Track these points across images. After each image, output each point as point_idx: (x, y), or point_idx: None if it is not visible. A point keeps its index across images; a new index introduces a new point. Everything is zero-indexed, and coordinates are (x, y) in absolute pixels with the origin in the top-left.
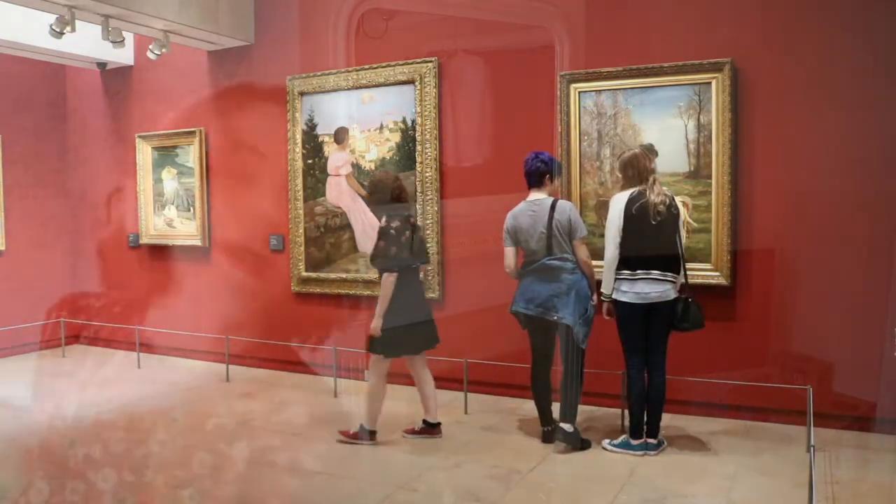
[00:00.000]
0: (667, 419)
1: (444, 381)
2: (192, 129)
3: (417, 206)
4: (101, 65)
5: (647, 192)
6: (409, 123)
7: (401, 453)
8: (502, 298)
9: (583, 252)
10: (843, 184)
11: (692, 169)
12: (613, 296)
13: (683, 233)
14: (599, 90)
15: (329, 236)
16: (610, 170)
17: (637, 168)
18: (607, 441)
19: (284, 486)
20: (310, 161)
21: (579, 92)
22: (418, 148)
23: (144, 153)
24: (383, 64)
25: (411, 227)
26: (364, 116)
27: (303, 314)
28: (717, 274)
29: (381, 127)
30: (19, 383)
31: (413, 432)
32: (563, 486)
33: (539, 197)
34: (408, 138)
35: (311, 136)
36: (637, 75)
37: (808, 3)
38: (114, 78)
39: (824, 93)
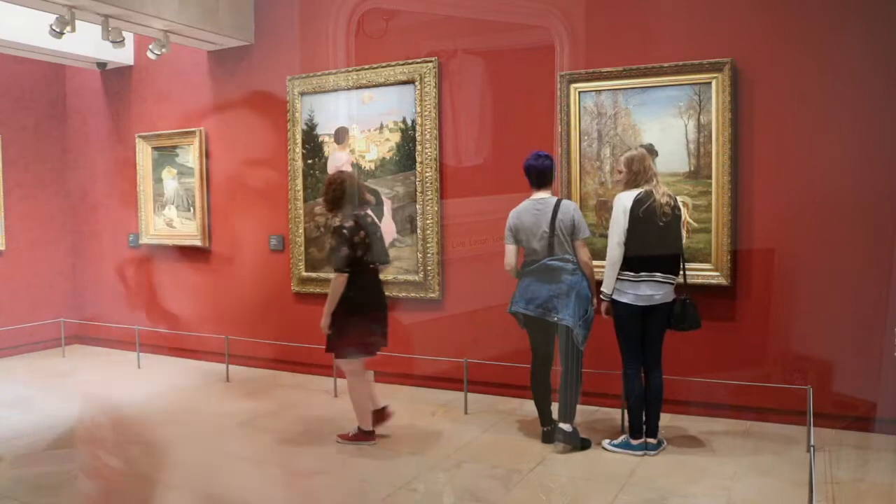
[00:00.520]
0: (667, 419)
1: (444, 381)
2: (192, 129)
3: (417, 207)
4: (101, 65)
5: (654, 194)
6: (409, 123)
7: (401, 453)
8: (502, 298)
9: (584, 253)
10: (843, 184)
11: (692, 169)
12: (614, 296)
13: (683, 233)
14: (599, 90)
15: (329, 236)
16: (610, 170)
17: (644, 167)
18: (607, 441)
19: (284, 486)
20: (310, 161)
21: (579, 92)
22: (418, 148)
23: (144, 153)
24: (383, 64)
25: (367, 226)
26: (364, 116)
27: (303, 314)
28: (717, 274)
29: (381, 127)
30: (19, 383)
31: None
32: (563, 486)
33: (544, 196)
34: (408, 138)
35: (311, 135)
36: (637, 75)
37: (808, 3)
38: (114, 78)
39: (824, 93)
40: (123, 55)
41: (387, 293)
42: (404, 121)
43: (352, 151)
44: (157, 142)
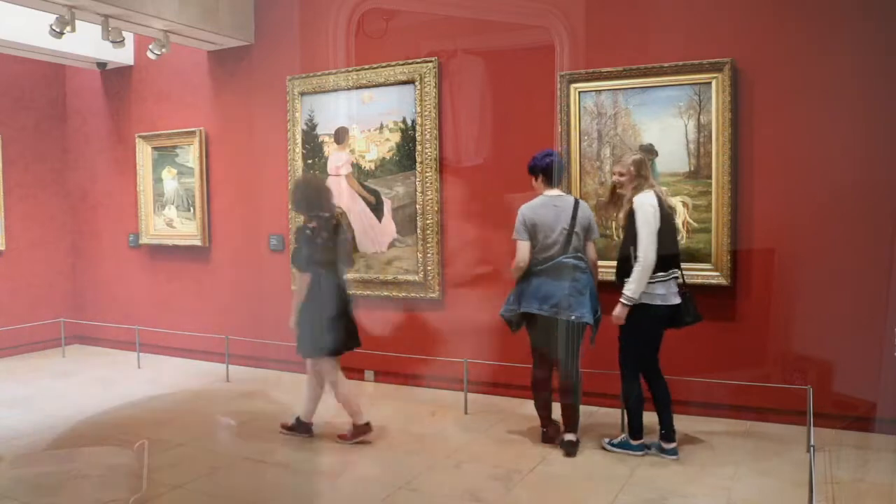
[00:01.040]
0: None
1: (444, 381)
2: (192, 129)
3: (417, 206)
4: (101, 65)
5: (661, 194)
6: (409, 123)
7: (401, 453)
8: (502, 298)
9: (593, 252)
10: (843, 184)
11: (692, 169)
12: (644, 300)
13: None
14: (599, 90)
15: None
16: (610, 170)
17: (647, 169)
18: (607, 441)
19: (285, 486)
20: (310, 161)
21: (579, 92)
22: (418, 148)
23: (144, 153)
24: (383, 64)
25: (332, 228)
26: (364, 116)
27: None
28: (717, 274)
29: (381, 127)
30: (19, 383)
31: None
32: (563, 486)
33: (559, 193)
34: (408, 138)
35: (310, 135)
36: (637, 75)
37: (808, 3)
38: (114, 78)
39: (824, 93)
40: (123, 55)
41: (350, 292)
42: (404, 121)
43: (352, 151)
44: (157, 142)
